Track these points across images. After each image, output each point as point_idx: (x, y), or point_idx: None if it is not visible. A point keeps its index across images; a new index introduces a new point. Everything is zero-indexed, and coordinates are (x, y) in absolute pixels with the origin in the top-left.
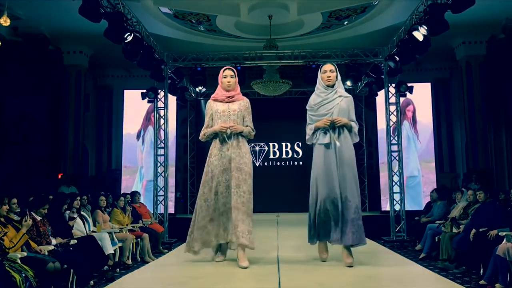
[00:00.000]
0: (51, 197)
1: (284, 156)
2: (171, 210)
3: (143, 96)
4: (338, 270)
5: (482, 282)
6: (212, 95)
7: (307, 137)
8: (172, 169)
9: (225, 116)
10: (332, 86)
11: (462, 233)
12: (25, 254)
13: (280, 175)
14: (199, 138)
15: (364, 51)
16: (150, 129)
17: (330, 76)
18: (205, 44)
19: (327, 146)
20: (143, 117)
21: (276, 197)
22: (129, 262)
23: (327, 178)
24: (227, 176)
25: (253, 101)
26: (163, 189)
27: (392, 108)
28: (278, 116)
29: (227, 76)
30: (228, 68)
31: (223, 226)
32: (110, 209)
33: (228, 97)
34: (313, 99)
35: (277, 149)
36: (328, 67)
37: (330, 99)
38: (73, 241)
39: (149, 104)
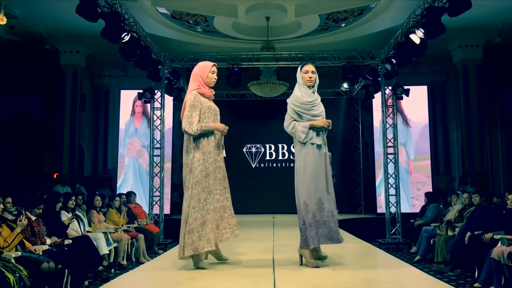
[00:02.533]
0: (45, 196)
1: (280, 157)
2: (167, 211)
3: (140, 96)
4: (333, 272)
5: (476, 285)
6: (196, 88)
7: (301, 134)
8: (168, 170)
9: (215, 116)
10: (312, 87)
11: (457, 236)
12: (19, 254)
13: (277, 177)
14: (190, 130)
15: (361, 54)
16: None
17: (311, 77)
18: (202, 45)
19: (318, 147)
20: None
21: (272, 199)
22: (124, 262)
23: (319, 180)
24: (219, 175)
25: (250, 102)
26: (158, 189)
27: (389, 110)
28: (275, 118)
29: (215, 73)
30: (215, 65)
31: (214, 229)
32: (105, 209)
33: (214, 95)
34: (304, 96)
35: (274, 151)
36: (310, 67)
37: (319, 100)
38: (67, 241)
39: (134, 95)
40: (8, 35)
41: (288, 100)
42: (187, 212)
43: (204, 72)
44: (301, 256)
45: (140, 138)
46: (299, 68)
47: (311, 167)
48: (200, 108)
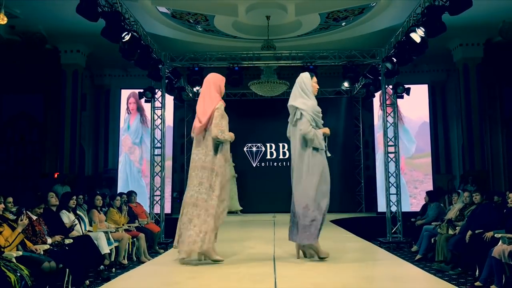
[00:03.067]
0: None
1: (281, 156)
2: (167, 210)
3: (140, 95)
4: (335, 271)
5: (477, 283)
6: (220, 100)
7: (322, 142)
8: (168, 169)
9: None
10: None
11: (458, 234)
12: (20, 253)
13: (277, 176)
14: (222, 137)
15: (361, 53)
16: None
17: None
18: (202, 44)
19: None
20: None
21: (273, 198)
22: (125, 262)
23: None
24: None
25: (251, 102)
26: (159, 189)
27: (389, 109)
28: (276, 117)
29: None
30: None
31: None
32: (106, 208)
33: None
34: (316, 105)
35: (274, 150)
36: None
37: None
38: (68, 241)
39: (128, 94)
40: (9, 34)
41: (304, 107)
42: (218, 212)
43: (222, 85)
44: (309, 250)
45: (131, 134)
46: (307, 77)
47: (325, 170)
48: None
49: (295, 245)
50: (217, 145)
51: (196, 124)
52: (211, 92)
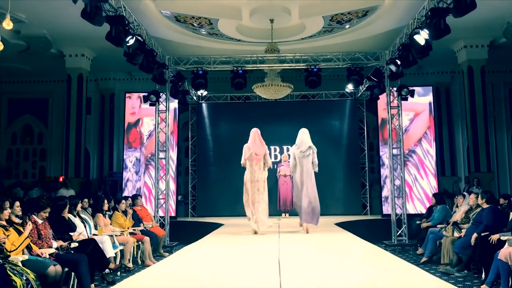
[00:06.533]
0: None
1: None
2: (172, 213)
3: (145, 99)
4: (339, 273)
5: (483, 286)
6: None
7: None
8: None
9: None
10: None
11: (464, 237)
12: (26, 257)
13: None
14: (271, 166)
15: (365, 55)
16: None
17: None
18: (206, 48)
19: None
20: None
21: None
22: (130, 265)
23: None
24: None
25: (255, 105)
26: (164, 192)
27: (394, 111)
28: (280, 120)
29: None
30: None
31: None
32: (111, 212)
33: None
34: None
35: (279, 153)
36: None
37: None
38: (74, 244)
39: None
40: (14, 39)
41: (314, 147)
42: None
43: None
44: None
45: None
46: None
47: None
48: None
49: (304, 225)
50: (265, 167)
51: (255, 157)
52: (261, 139)
